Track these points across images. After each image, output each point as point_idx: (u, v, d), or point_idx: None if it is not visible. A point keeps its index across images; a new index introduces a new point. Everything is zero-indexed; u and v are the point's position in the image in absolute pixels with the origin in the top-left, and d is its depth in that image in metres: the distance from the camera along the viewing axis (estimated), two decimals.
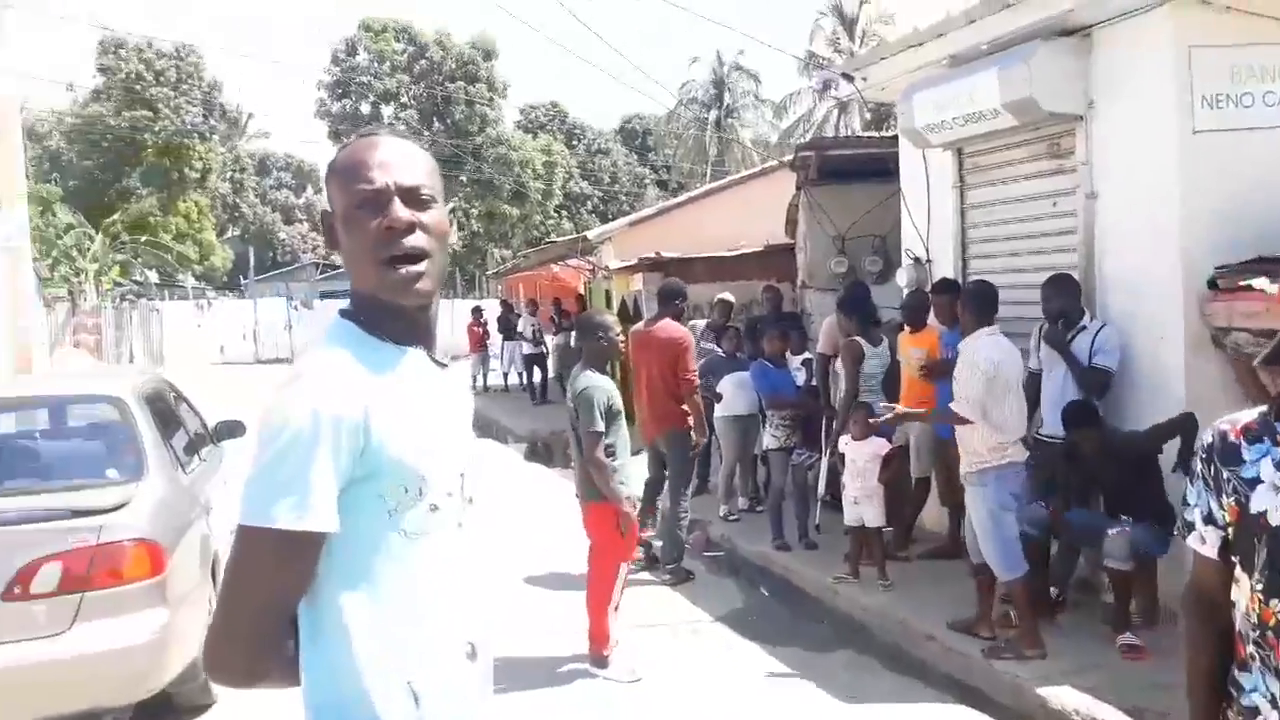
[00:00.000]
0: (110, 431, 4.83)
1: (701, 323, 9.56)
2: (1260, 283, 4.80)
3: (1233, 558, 2.00)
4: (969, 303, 5.46)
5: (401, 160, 1.62)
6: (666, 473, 7.19)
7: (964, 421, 5.20)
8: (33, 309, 17.46)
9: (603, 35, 11.89)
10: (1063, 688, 4.61)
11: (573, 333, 12.35)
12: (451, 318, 32.70)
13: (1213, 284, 5.21)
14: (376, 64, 41.11)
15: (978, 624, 5.36)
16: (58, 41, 56.05)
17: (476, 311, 20.90)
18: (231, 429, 6.33)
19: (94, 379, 6.67)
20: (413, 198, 1.59)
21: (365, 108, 41.32)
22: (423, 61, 40.85)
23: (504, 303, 22.55)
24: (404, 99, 41.20)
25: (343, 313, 1.66)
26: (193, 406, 6.40)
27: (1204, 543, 2.07)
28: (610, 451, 5.25)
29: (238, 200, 50.17)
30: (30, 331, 14.04)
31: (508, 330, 19.87)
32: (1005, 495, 5.16)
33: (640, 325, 7.65)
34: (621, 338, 5.63)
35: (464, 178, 39.05)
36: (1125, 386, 5.64)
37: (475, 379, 20.19)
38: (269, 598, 1.48)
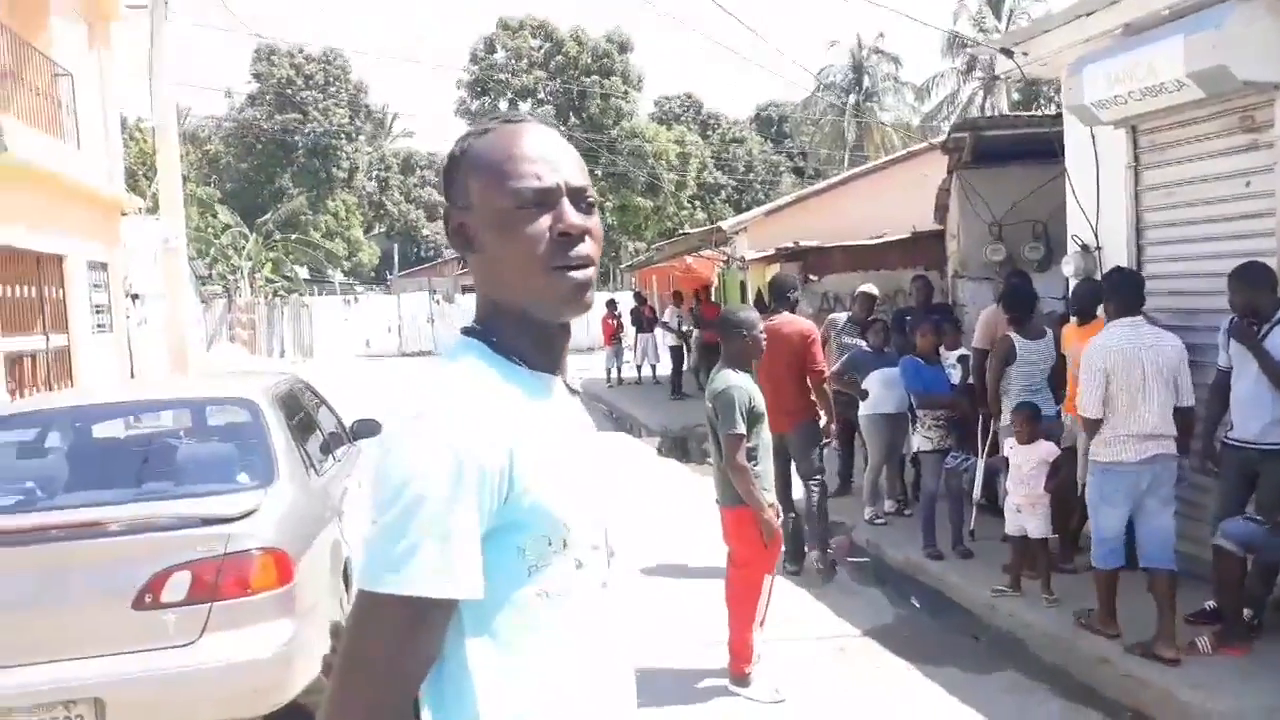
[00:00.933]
0: (243, 435, 4.77)
1: (843, 316, 9.11)
2: None
3: None
4: (1113, 292, 5.33)
5: (567, 157, 1.43)
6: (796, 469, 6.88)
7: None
8: (190, 306, 18.34)
9: (740, 18, 11.48)
10: None
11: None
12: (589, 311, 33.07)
13: None
14: (514, 61, 41.66)
15: (1157, 643, 4.89)
16: (218, 50, 58.92)
17: (611, 304, 20.92)
18: (370, 428, 6.28)
19: (229, 380, 6.71)
20: (580, 200, 1.41)
21: (504, 104, 41.95)
22: (559, 57, 41.19)
23: (637, 295, 22.49)
24: (541, 95, 41.65)
25: (468, 330, 1.44)
26: (329, 406, 6.38)
27: None
28: (752, 456, 4.94)
29: (383, 198, 51.72)
30: (186, 326, 14.65)
31: (641, 323, 19.78)
32: (1111, 490, 5.15)
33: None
34: (764, 334, 5.32)
35: (599, 171, 39.21)
36: None
37: (610, 372, 20.25)
38: (392, 674, 1.24)
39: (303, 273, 39.04)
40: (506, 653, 1.30)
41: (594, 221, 1.42)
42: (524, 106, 41.65)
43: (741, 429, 4.88)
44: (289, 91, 43.09)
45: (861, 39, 41.92)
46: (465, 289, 40.73)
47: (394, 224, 53.83)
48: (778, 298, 7.04)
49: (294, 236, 38.30)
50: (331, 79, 44.38)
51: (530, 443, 1.31)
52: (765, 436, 5.08)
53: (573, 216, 1.38)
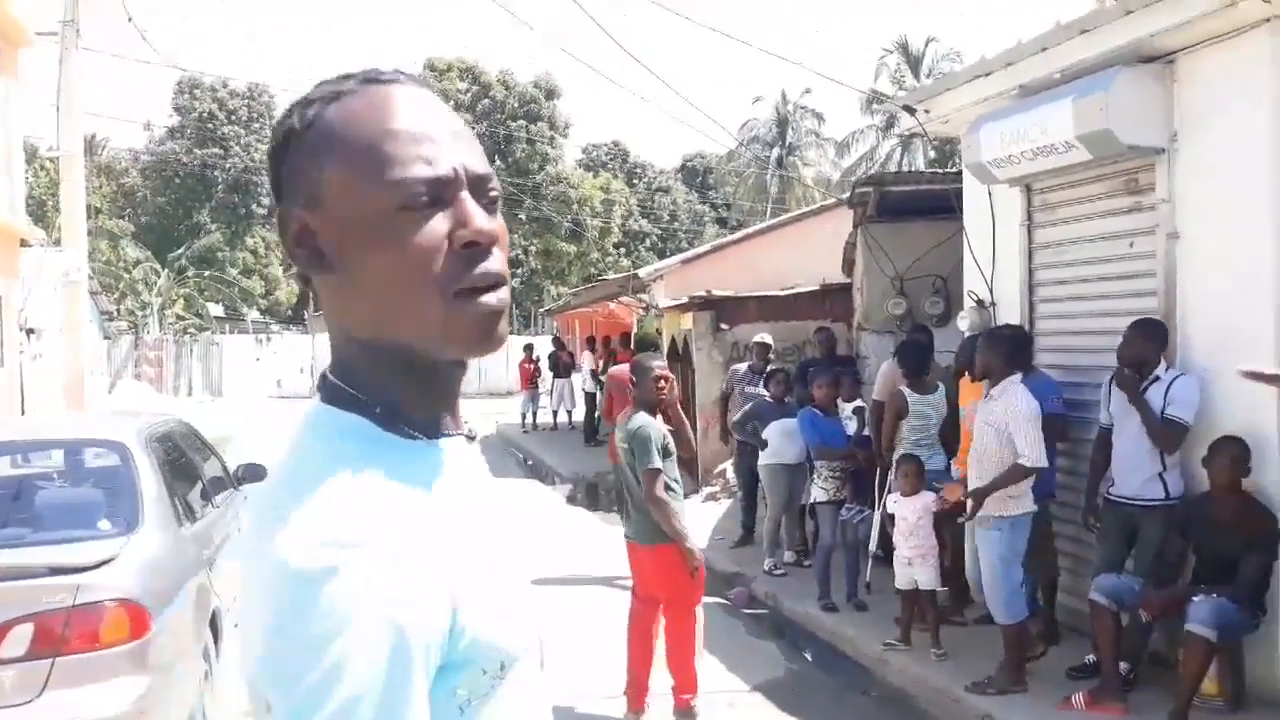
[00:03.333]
0: (111, 479, 4.56)
1: (744, 366, 9.19)
2: None
3: None
4: (1001, 348, 5.40)
5: (459, 129, 1.03)
6: None
7: (1026, 476, 5.17)
8: (91, 342, 17.74)
9: (664, 77, 11.61)
10: None
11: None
12: (507, 354, 32.84)
13: None
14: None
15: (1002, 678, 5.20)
16: (141, 82, 57.88)
17: (528, 349, 20.83)
18: (256, 472, 6.09)
19: (102, 421, 6.44)
20: (483, 193, 1.01)
21: None
22: (486, 100, 41.26)
23: (556, 340, 22.45)
24: None
25: (332, 392, 1.03)
26: (213, 450, 6.16)
27: None
28: (670, 488, 5.01)
29: None
30: (85, 362, 14.15)
31: (558, 368, 19.73)
32: (1020, 542, 5.27)
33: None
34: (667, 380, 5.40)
35: (523, 215, 39.19)
36: (1203, 445, 5.07)
37: (525, 417, 20.09)
38: None
39: (216, 310, 38.15)
40: None
41: (501, 223, 1.03)
42: None
43: (658, 463, 4.96)
44: (210, 125, 42.39)
45: (786, 94, 42.85)
46: None
47: None
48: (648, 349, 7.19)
49: (208, 273, 37.46)
50: (255, 115, 43.79)
51: (466, 570, 0.97)
52: (677, 474, 5.16)
53: (479, 219, 0.98)
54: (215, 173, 42.32)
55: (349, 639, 0.86)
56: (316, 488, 0.93)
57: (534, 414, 20.16)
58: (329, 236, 0.99)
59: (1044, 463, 5.21)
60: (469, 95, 41.32)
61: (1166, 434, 5.04)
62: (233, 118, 43.24)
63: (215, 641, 4.61)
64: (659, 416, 5.20)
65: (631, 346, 17.80)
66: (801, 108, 43.08)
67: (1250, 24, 4.83)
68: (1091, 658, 5.22)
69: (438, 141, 0.98)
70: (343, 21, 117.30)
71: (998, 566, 5.23)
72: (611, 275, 27.64)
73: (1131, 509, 5.18)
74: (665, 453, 5.05)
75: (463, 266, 0.97)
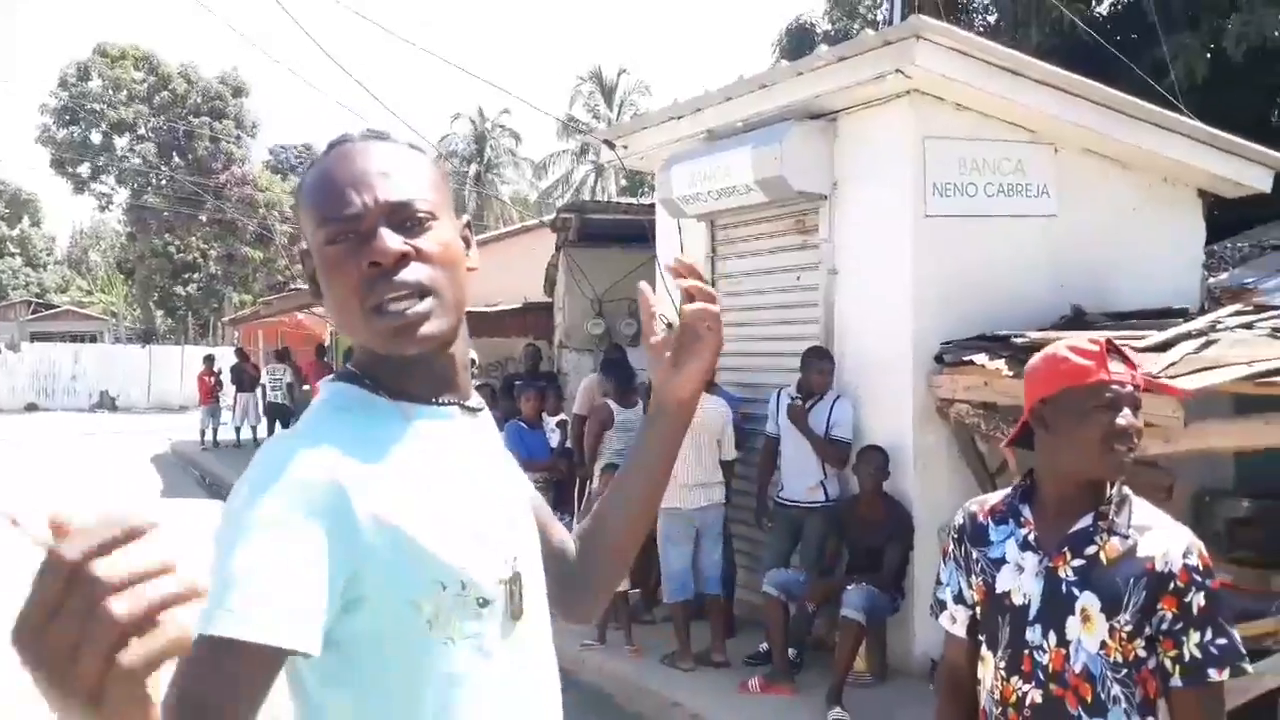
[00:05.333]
0: None
1: None
2: (980, 358, 5.15)
3: (979, 636, 2.04)
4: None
5: (385, 169, 1.23)
6: None
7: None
8: None
9: (363, 81, 11.41)
10: None
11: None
12: (182, 366, 30.66)
13: (939, 359, 5.56)
14: (112, 91, 38.25)
15: (712, 653, 5.89)
16: None
17: (208, 360, 19.63)
18: None
19: None
20: (404, 217, 1.21)
21: (96, 137, 38.31)
22: (165, 93, 38.40)
23: (239, 351, 21.30)
24: (141, 130, 38.51)
25: (339, 374, 1.30)
26: None
27: (954, 621, 2.11)
28: None
29: None
30: None
31: (242, 381, 18.76)
32: (673, 531, 5.99)
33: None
34: None
35: (203, 217, 36.83)
36: (854, 455, 5.87)
37: (204, 433, 18.91)
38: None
39: None
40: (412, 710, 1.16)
41: (429, 238, 1.22)
42: (121, 141, 38.33)
43: None
44: None
45: (484, 112, 43.11)
46: (35, 336, 36.30)
47: None
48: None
49: None
50: None
51: (388, 484, 1.14)
52: None
53: (385, 241, 1.18)
54: None
55: (250, 502, 1.08)
56: (306, 422, 1.23)
57: (215, 430, 19.00)
58: (311, 266, 1.28)
59: (735, 455, 6.03)
60: (145, 86, 38.31)
61: (834, 453, 5.79)
62: None
63: None
64: None
65: (327, 359, 17.34)
66: (500, 126, 43.54)
67: (895, 94, 5.69)
68: (765, 645, 5.85)
69: (357, 185, 1.21)
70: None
71: (660, 553, 6.10)
72: (302, 284, 26.64)
73: (797, 510, 5.88)
74: None
75: (375, 286, 1.19)
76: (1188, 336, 4.88)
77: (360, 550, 1.10)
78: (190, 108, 38.25)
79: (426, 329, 1.21)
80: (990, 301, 5.65)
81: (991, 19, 13.05)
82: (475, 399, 1.35)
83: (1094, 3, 12.33)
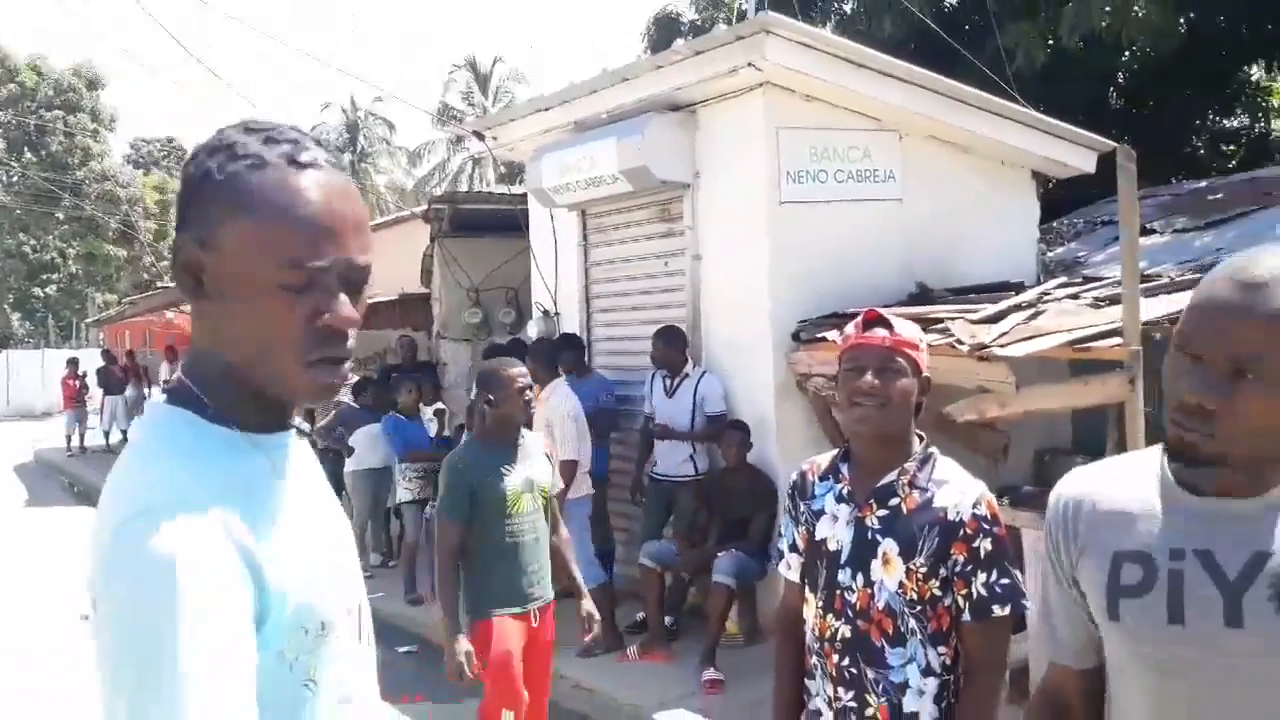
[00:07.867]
0: None
1: None
2: (833, 335, 5.49)
3: (804, 580, 2.30)
4: (540, 357, 6.26)
5: (359, 220, 1.17)
6: None
7: (570, 470, 5.80)
8: None
9: (223, 75, 11.07)
10: (678, 711, 5.00)
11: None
12: (43, 371, 29.35)
13: (796, 336, 5.90)
14: None
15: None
16: None
17: (72, 364, 18.93)
18: None
19: None
20: (360, 280, 1.18)
21: None
22: (12, 86, 36.49)
23: (106, 353, 20.56)
24: None
25: (173, 392, 1.19)
26: None
27: (790, 568, 2.37)
28: None
29: None
30: None
31: (109, 384, 18.16)
32: (583, 519, 6.00)
33: None
34: None
35: (60, 215, 35.21)
36: None
37: (70, 439, 18.25)
38: None
39: None
40: None
41: (362, 301, 1.20)
42: None
43: None
44: None
45: (356, 100, 42.31)
46: None
47: None
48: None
49: None
50: None
51: (267, 528, 1.12)
52: None
53: (344, 310, 1.15)
54: None
55: (165, 569, 1.01)
56: (142, 464, 1.14)
57: (81, 435, 18.37)
58: (214, 277, 1.14)
59: (573, 456, 5.85)
60: None
61: (709, 434, 6.04)
62: None
63: None
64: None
65: None
66: (372, 115, 42.78)
67: (748, 87, 5.98)
68: (642, 615, 6.11)
69: (334, 236, 1.14)
70: None
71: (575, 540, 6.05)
72: (170, 282, 25.81)
73: (670, 484, 6.16)
74: None
75: (318, 343, 1.15)
76: (1018, 308, 5.31)
77: (259, 617, 1.10)
78: (41, 101, 36.48)
79: (339, 384, 1.22)
80: (842, 282, 6.00)
81: (848, 8, 13.52)
82: (296, 417, 1.33)
83: None
